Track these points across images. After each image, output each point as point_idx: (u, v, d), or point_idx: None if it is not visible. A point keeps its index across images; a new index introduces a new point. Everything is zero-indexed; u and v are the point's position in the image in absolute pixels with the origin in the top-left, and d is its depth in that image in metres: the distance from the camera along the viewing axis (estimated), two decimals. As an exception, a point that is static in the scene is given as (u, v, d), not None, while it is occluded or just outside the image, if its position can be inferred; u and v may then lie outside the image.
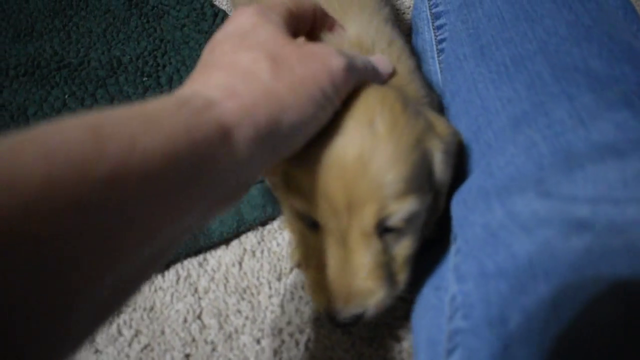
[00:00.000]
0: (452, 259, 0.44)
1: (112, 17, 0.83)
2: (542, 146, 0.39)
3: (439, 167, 0.42)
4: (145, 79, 0.73)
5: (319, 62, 0.35)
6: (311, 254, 0.42)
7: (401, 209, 0.39)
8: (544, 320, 0.32)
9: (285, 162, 0.40)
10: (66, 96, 0.73)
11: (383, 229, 0.40)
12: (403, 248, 0.42)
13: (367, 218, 0.38)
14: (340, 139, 0.38)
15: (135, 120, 0.25)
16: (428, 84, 0.57)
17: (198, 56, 0.73)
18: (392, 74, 0.48)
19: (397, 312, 0.53)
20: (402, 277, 0.43)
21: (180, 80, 0.72)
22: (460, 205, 0.44)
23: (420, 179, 0.40)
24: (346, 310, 0.40)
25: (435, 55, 0.66)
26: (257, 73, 0.32)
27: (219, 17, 0.78)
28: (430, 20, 0.70)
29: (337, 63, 0.35)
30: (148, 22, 0.82)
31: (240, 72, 0.32)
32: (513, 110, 0.44)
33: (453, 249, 0.44)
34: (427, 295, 0.45)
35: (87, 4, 0.87)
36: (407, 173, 0.38)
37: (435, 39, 0.67)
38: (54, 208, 0.20)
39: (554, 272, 0.33)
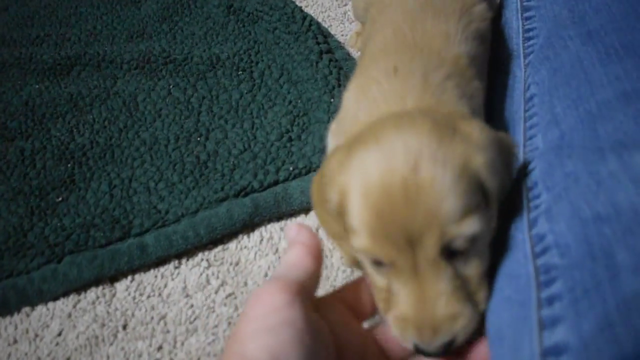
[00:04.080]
0: (525, 207, 0.47)
1: (212, 22, 0.94)
2: None
3: (487, 180, 0.43)
4: (240, 73, 0.82)
5: None
6: (385, 295, 0.44)
7: (463, 231, 0.40)
8: None
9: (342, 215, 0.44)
10: (171, 87, 0.83)
11: (450, 253, 0.41)
12: (475, 267, 0.43)
13: (430, 247, 0.40)
14: (389, 182, 0.40)
15: None
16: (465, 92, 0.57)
17: (287, 55, 0.82)
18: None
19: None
20: (482, 295, 0.43)
21: (271, 75, 0.81)
22: (549, 157, 0.48)
23: (476, 198, 0.41)
24: (437, 341, 0.41)
25: (521, 42, 0.71)
26: None
27: (306, 20, 0.87)
28: (519, 11, 0.75)
29: None
30: (244, 26, 0.92)
31: None
32: (622, 87, 0.47)
33: (526, 197, 0.47)
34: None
35: (191, 11, 0.98)
36: (460, 199, 0.40)
37: (523, 27, 0.72)
38: None
39: None
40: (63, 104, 0.84)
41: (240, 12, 0.94)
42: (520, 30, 0.73)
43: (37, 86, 0.89)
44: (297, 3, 0.97)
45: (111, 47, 0.93)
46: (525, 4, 0.75)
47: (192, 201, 0.67)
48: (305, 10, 0.94)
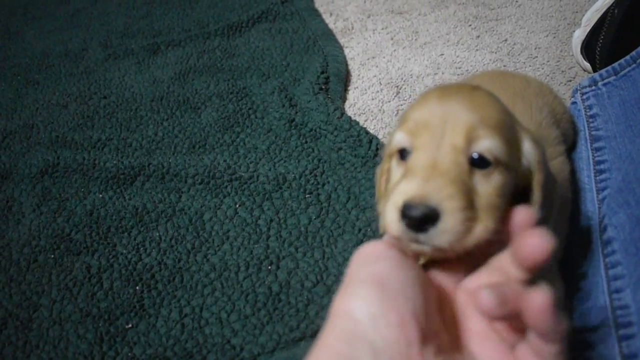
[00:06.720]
0: None
1: (275, 136, 0.96)
2: None
3: (528, 152, 0.46)
4: (307, 195, 0.83)
5: None
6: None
7: (490, 138, 0.43)
8: None
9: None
10: (237, 205, 0.84)
11: (471, 158, 0.43)
12: (489, 189, 0.43)
13: (459, 133, 0.43)
14: (447, 88, 0.47)
15: None
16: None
17: (354, 178, 0.82)
18: None
19: None
20: (483, 223, 0.41)
21: (338, 199, 0.82)
22: None
23: (509, 145, 0.44)
24: (422, 205, 0.39)
25: (592, 175, 0.72)
26: None
27: (373, 143, 0.88)
28: (588, 141, 0.76)
29: None
30: (306, 142, 0.93)
31: None
32: None
33: None
34: None
35: (252, 122, 1.00)
36: (498, 120, 0.44)
37: (593, 159, 0.73)
38: None
39: None
40: (128, 218, 0.85)
41: (302, 127, 0.96)
42: (591, 161, 0.74)
43: (100, 195, 0.90)
44: (353, 115, 0.99)
45: (174, 157, 0.94)
46: (594, 133, 0.76)
47: (267, 338, 0.66)
48: (366, 125, 0.95)
